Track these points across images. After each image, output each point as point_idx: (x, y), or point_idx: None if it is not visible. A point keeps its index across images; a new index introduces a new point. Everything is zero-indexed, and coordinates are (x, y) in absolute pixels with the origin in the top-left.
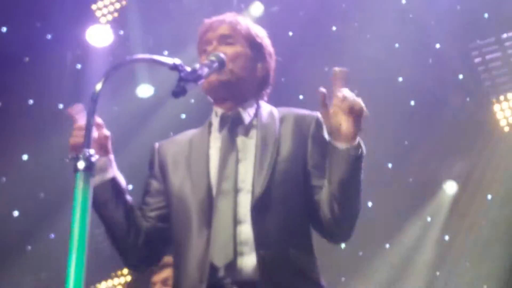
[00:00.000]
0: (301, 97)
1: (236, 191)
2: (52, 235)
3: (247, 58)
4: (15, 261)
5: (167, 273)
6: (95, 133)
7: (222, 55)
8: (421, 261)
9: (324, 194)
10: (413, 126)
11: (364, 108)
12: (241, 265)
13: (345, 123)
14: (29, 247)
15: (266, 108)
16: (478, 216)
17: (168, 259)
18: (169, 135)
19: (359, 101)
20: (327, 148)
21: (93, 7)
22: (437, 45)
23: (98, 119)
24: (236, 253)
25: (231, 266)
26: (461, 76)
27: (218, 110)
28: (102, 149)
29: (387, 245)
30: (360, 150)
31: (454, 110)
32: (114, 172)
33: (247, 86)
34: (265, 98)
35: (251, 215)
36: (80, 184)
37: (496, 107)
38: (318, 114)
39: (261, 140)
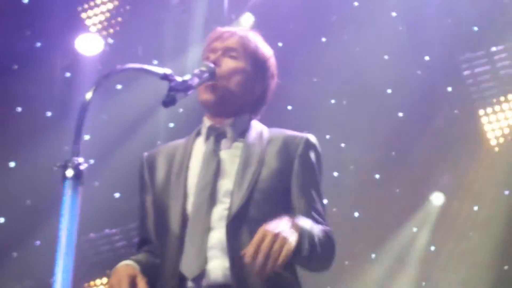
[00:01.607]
0: (289, 107)
1: (212, 201)
2: (38, 242)
3: (246, 75)
4: (1, 268)
5: None
6: None
7: (212, 66)
8: (407, 271)
9: None
10: (401, 138)
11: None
12: (211, 270)
13: None
14: (15, 254)
15: (257, 127)
16: (464, 227)
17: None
18: (156, 144)
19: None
20: (314, 171)
21: (83, 15)
22: (426, 57)
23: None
24: (206, 260)
25: (201, 274)
26: (450, 89)
27: (207, 122)
28: None
29: (373, 255)
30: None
31: (442, 122)
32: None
33: (240, 103)
34: (259, 116)
35: (226, 231)
36: (68, 192)
37: (484, 120)
38: (308, 136)
39: (244, 159)
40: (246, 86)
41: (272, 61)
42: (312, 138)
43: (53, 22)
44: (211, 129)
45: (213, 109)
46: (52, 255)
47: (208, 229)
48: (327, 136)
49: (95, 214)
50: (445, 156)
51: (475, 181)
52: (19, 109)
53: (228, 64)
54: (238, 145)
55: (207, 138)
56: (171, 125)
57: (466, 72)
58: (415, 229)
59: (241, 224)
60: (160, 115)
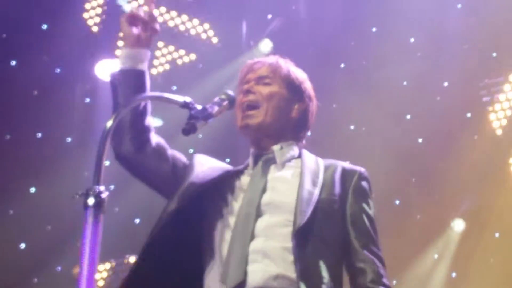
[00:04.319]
0: (308, 133)
1: (257, 214)
2: (59, 268)
3: (282, 98)
4: None
5: None
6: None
7: (231, 93)
8: None
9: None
10: (421, 163)
11: None
12: (251, 272)
13: None
14: (36, 280)
15: (310, 155)
16: (486, 253)
17: None
18: None
19: None
20: (366, 198)
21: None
22: (445, 83)
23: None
24: (247, 263)
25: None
26: (469, 115)
27: (252, 150)
28: (146, 40)
29: (394, 282)
30: None
31: (462, 148)
32: (146, 68)
33: (279, 126)
34: (303, 142)
35: (293, 243)
36: (89, 220)
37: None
38: (361, 169)
39: (304, 176)
40: (283, 109)
41: (308, 84)
42: (366, 172)
43: (72, 47)
44: (258, 156)
45: (253, 135)
46: (72, 281)
47: (251, 237)
48: (346, 162)
49: (116, 240)
50: (466, 182)
51: (496, 207)
52: (39, 134)
53: (262, 90)
54: (293, 164)
55: (255, 164)
56: (191, 151)
57: (485, 98)
58: (436, 256)
59: (306, 238)
60: (179, 140)
